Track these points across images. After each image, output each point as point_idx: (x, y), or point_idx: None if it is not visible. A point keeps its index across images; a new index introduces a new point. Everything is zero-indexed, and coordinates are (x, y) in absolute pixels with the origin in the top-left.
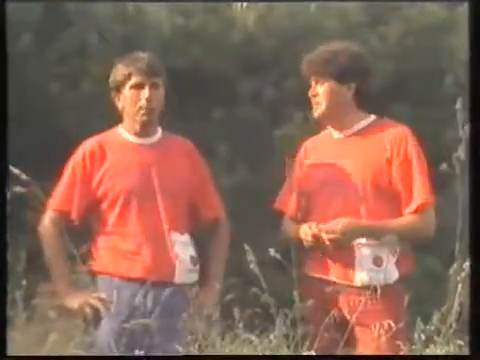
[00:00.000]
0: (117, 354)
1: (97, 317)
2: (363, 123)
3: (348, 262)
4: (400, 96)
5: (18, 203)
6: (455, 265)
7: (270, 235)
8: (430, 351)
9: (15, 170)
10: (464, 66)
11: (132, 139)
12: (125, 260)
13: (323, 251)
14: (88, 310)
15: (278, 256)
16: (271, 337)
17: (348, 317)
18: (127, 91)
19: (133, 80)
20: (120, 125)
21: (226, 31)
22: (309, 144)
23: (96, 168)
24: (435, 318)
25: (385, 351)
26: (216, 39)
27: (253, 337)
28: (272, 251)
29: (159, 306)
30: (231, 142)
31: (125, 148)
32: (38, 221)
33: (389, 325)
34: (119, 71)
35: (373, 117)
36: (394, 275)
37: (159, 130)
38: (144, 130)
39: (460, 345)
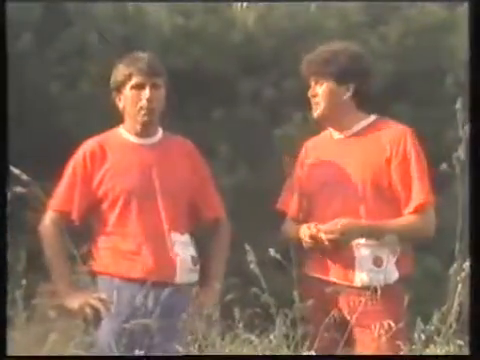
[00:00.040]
0: (117, 354)
1: (97, 317)
2: (363, 123)
3: (348, 263)
4: (400, 96)
5: (18, 203)
6: (455, 265)
7: (270, 235)
8: (430, 351)
9: (15, 170)
10: (464, 66)
11: (133, 139)
12: (125, 260)
13: (322, 252)
14: (88, 310)
15: (278, 256)
16: (271, 337)
17: (348, 317)
18: (128, 91)
19: (134, 80)
20: (121, 125)
21: (226, 31)
22: (310, 144)
23: (97, 168)
24: (435, 318)
25: (385, 351)
26: (216, 39)
27: (253, 337)
28: (272, 251)
29: (159, 306)
30: (231, 142)
31: (126, 148)
32: (38, 221)
33: (389, 325)
34: (120, 71)
35: (373, 117)
36: (394, 275)
37: (160, 130)
38: (145, 130)
39: (460, 345)
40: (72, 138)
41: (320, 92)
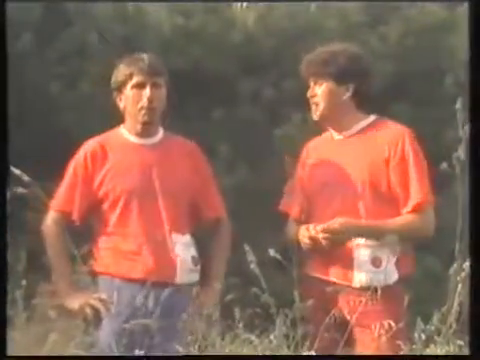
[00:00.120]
0: (117, 354)
1: (97, 318)
2: (362, 124)
3: (347, 263)
4: (400, 96)
5: (18, 203)
6: (455, 265)
7: (270, 235)
8: (430, 351)
9: (16, 171)
10: (464, 66)
11: (133, 139)
12: (126, 261)
13: (322, 252)
14: (88, 310)
15: (278, 256)
16: (271, 337)
17: (348, 317)
18: (128, 91)
19: (135, 80)
20: (122, 125)
21: (226, 31)
22: (311, 145)
23: (97, 169)
24: (435, 318)
25: (385, 351)
26: (216, 39)
27: (253, 337)
28: (272, 251)
29: (160, 306)
30: (231, 142)
31: (126, 148)
32: (38, 222)
33: (389, 325)
34: (120, 71)
35: (373, 117)
36: (394, 276)
37: (161, 130)
38: (146, 130)
39: (460, 345)
40: (72, 138)
41: (319, 92)
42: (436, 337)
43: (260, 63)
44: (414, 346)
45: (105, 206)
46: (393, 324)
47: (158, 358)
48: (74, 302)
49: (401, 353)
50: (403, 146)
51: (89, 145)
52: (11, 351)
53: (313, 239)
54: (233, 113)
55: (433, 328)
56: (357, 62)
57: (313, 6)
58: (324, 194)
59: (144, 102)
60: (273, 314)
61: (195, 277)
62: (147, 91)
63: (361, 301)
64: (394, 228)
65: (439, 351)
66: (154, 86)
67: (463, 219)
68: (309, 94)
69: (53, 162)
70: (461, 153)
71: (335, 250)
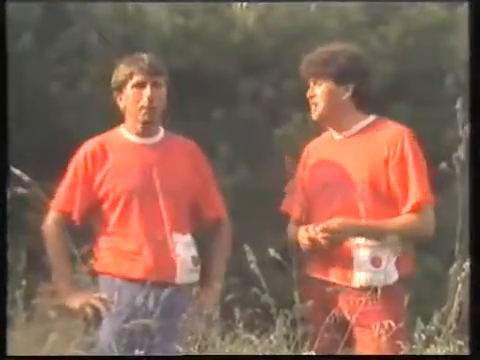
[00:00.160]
0: (117, 354)
1: (98, 317)
2: (362, 124)
3: (347, 263)
4: (400, 96)
5: (18, 203)
6: (455, 265)
7: (270, 235)
8: (430, 351)
9: (17, 171)
10: (464, 66)
11: (134, 139)
12: (126, 260)
13: (322, 252)
14: (89, 310)
15: (278, 256)
16: (271, 337)
17: (348, 317)
18: (129, 90)
19: (135, 79)
20: (122, 125)
21: (226, 31)
22: (312, 146)
23: (98, 169)
24: (435, 318)
25: (385, 351)
26: (216, 39)
27: (253, 337)
28: (272, 251)
29: (160, 306)
30: (231, 142)
31: (127, 148)
32: (38, 222)
33: (389, 325)
34: (121, 71)
35: (372, 117)
36: (394, 276)
37: (161, 130)
38: (146, 130)
39: (460, 345)
40: (72, 138)
41: (319, 93)
42: (436, 337)
43: (260, 63)
44: (414, 346)
45: (105, 206)
46: (393, 324)
47: (158, 358)
48: (74, 301)
49: (401, 353)
50: (402, 146)
51: (89, 145)
52: (11, 351)
53: (312, 240)
54: (233, 113)
55: (433, 328)
56: (357, 62)
57: (313, 6)
58: (324, 194)
59: (144, 101)
60: (273, 314)
61: (195, 277)
62: (147, 90)
63: (361, 301)
64: (393, 228)
65: (439, 351)
66: (154, 85)
67: (463, 219)
68: (309, 94)
69: (53, 162)
70: (461, 153)
71: (335, 250)
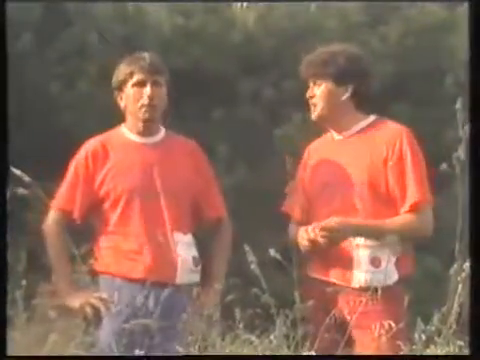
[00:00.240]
0: (117, 354)
1: (98, 317)
2: (362, 124)
3: (346, 263)
4: (400, 96)
5: (18, 203)
6: (455, 265)
7: (270, 235)
8: (430, 351)
9: (17, 171)
10: (464, 66)
11: (135, 138)
12: (127, 260)
13: (322, 253)
14: (89, 310)
15: (278, 256)
16: (271, 337)
17: (348, 318)
18: (129, 89)
19: (135, 78)
20: (123, 124)
21: (226, 31)
22: (312, 146)
23: (98, 168)
24: (435, 318)
25: (385, 351)
26: (216, 39)
27: (253, 337)
28: (272, 251)
29: (160, 306)
30: (231, 142)
31: (128, 147)
32: (39, 222)
33: (389, 325)
34: (121, 70)
35: (372, 118)
36: (394, 276)
37: (162, 129)
38: (147, 129)
39: (460, 345)
40: (72, 138)
41: (318, 93)
42: (436, 337)
43: (260, 63)
44: (414, 346)
45: (106, 205)
46: (393, 324)
47: (158, 358)
48: (75, 301)
49: (401, 353)
50: (401, 146)
51: (90, 144)
52: (11, 351)
53: (312, 241)
54: (233, 113)
55: (433, 328)
56: (356, 63)
57: (313, 6)
58: (324, 194)
59: (145, 100)
60: (273, 314)
61: (195, 278)
62: (148, 89)
63: (361, 301)
64: (392, 228)
65: (439, 351)
66: (155, 84)
67: (463, 219)
68: (308, 94)
69: (53, 162)
70: (461, 153)
71: (335, 251)
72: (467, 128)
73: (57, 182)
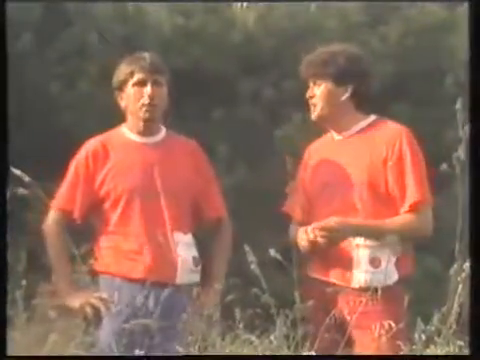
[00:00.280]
0: (117, 354)
1: (98, 317)
2: (362, 124)
3: (346, 264)
4: (400, 96)
5: (18, 203)
6: (455, 265)
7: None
8: (430, 351)
9: (17, 171)
10: (464, 66)
11: (135, 138)
12: (127, 260)
13: (322, 253)
14: (89, 310)
15: (278, 257)
16: (271, 338)
17: (348, 318)
18: (130, 89)
19: (136, 77)
20: (123, 124)
21: (226, 31)
22: (313, 147)
23: (99, 168)
24: (435, 318)
25: (385, 351)
26: (216, 39)
27: (253, 337)
28: (272, 252)
29: (160, 306)
30: (231, 142)
31: (128, 147)
32: (38, 222)
33: (389, 325)
34: (122, 70)
35: (372, 118)
36: (394, 276)
37: (163, 129)
38: (147, 128)
39: (460, 345)
40: (72, 138)
41: (318, 93)
42: (436, 337)
43: (260, 63)
44: (414, 346)
45: (106, 205)
46: (393, 324)
47: (158, 358)
48: (75, 301)
49: (401, 353)
50: (400, 146)
51: (90, 144)
52: (11, 351)
53: (311, 242)
54: (233, 113)
55: (433, 328)
56: (356, 63)
57: (313, 6)
58: (324, 194)
59: (145, 99)
60: (273, 314)
61: (195, 278)
62: (148, 88)
63: (361, 301)
64: (391, 228)
65: (439, 351)
66: (155, 84)
67: (463, 219)
68: (308, 95)
69: (53, 162)
70: (461, 153)
71: (334, 251)
72: (467, 128)
73: (57, 182)
